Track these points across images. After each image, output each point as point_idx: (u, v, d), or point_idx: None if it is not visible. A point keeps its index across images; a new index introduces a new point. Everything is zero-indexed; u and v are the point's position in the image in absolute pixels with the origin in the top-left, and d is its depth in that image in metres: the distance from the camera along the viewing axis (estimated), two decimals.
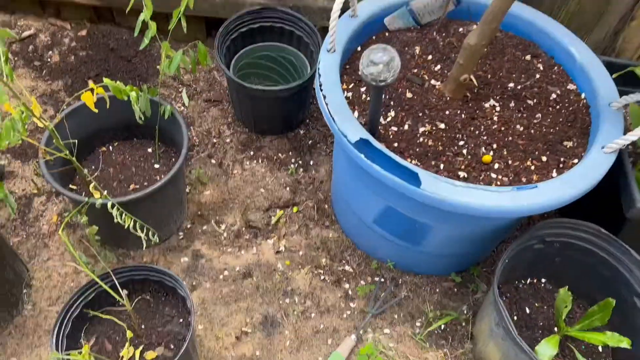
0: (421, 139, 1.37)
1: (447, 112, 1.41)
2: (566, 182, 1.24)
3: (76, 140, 1.42)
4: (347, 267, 1.70)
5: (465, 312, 1.63)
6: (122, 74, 2.05)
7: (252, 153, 1.92)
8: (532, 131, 1.40)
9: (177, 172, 1.48)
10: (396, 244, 1.56)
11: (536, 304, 1.52)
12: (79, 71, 2.05)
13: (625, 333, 1.32)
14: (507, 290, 1.54)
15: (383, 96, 1.36)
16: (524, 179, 1.31)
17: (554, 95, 1.47)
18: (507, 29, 1.60)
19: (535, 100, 1.46)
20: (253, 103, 1.85)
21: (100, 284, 1.29)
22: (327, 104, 1.34)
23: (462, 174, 1.32)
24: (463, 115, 1.41)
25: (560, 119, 1.43)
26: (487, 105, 1.44)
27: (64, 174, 1.52)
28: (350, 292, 1.65)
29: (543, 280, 1.57)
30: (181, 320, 1.42)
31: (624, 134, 1.29)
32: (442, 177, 1.23)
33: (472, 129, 1.39)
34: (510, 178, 1.31)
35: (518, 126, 1.40)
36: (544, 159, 1.35)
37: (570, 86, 1.50)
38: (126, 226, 1.35)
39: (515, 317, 1.49)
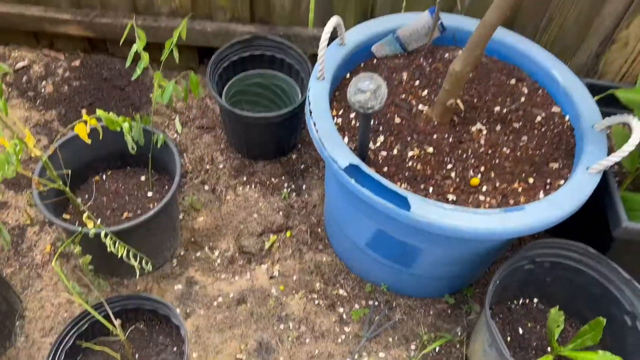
0: (410, 163, 1.40)
1: (435, 136, 1.44)
2: (553, 204, 1.26)
3: (69, 171, 1.43)
4: (341, 291, 1.70)
5: (459, 333, 1.63)
6: (115, 102, 2.08)
7: (245, 178, 1.94)
8: (519, 153, 1.43)
9: (170, 200, 1.49)
10: (389, 266, 1.58)
11: (529, 324, 1.53)
12: (72, 101, 2.07)
13: (617, 351, 1.32)
14: (500, 310, 1.55)
15: (372, 122, 1.38)
16: (511, 201, 1.33)
17: (539, 118, 1.50)
18: (492, 53, 1.64)
19: (520, 123, 1.49)
20: (245, 129, 1.87)
21: (93, 314, 1.29)
22: (317, 131, 1.36)
23: (451, 196, 1.34)
24: (451, 139, 1.44)
25: (546, 141, 1.46)
26: (474, 128, 1.47)
27: (58, 203, 1.53)
28: (344, 316, 1.65)
29: (535, 300, 1.59)
30: (175, 348, 1.41)
31: (608, 154, 1.32)
32: (431, 201, 1.25)
33: (459, 152, 1.42)
34: (498, 200, 1.34)
35: (505, 149, 1.43)
36: (531, 180, 1.38)
37: (555, 109, 1.53)
38: (119, 255, 1.35)
39: (508, 338, 1.50)
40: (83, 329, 1.35)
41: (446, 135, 1.45)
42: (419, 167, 1.39)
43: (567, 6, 1.74)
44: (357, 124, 1.47)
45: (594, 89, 1.63)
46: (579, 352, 1.38)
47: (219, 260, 1.74)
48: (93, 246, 1.41)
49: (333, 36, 1.51)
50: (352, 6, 1.87)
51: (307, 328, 1.62)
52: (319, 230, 1.83)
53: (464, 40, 1.41)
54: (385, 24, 1.60)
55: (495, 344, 1.28)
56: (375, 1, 1.86)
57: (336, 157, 1.31)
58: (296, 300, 1.67)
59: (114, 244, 1.34)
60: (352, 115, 1.50)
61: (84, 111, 2.04)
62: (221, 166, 1.96)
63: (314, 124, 1.37)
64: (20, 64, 2.15)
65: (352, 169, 1.29)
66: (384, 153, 1.42)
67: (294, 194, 1.92)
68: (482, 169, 1.39)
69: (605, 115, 1.43)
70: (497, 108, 1.52)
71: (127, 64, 1.44)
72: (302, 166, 1.99)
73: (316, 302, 1.67)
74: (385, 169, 1.39)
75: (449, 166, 1.39)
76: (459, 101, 1.42)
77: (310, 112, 1.39)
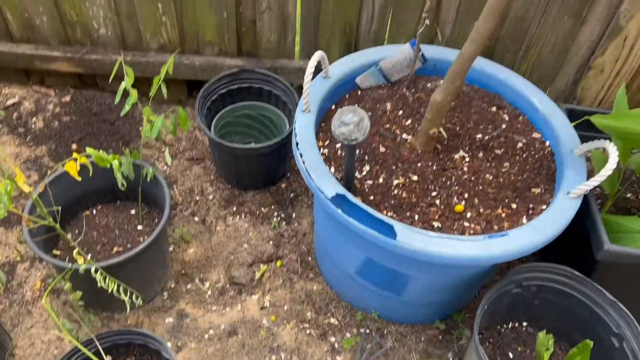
0: (396, 191, 1.43)
1: (419, 164, 1.48)
2: (535, 229, 1.29)
3: (60, 207, 1.45)
4: (332, 320, 1.71)
5: (450, 359, 1.64)
6: (105, 136, 2.10)
7: (234, 208, 1.96)
8: (501, 179, 1.46)
9: (159, 233, 1.50)
10: (379, 294, 1.59)
11: (519, 349, 1.54)
12: (62, 136, 2.09)
13: None
14: (490, 335, 1.56)
15: (357, 152, 1.42)
16: (495, 227, 1.36)
17: (520, 144, 1.54)
18: (473, 82, 1.69)
19: (502, 150, 1.53)
20: (234, 160, 1.90)
21: (84, 350, 1.29)
22: (303, 162, 1.39)
23: (436, 224, 1.37)
24: (434, 167, 1.47)
25: (528, 167, 1.49)
26: (457, 156, 1.50)
27: (48, 239, 1.54)
28: (336, 345, 1.65)
29: (524, 323, 1.60)
30: None
31: (589, 178, 1.36)
32: (416, 229, 1.27)
33: (443, 179, 1.45)
34: (483, 226, 1.36)
35: (487, 175, 1.46)
36: (514, 206, 1.41)
37: (535, 135, 1.58)
38: (110, 290, 1.36)
39: None
40: None
41: (430, 163, 1.48)
42: (404, 195, 1.42)
43: (544, 35, 1.80)
44: (343, 154, 1.50)
45: (573, 115, 1.68)
46: None
47: (209, 292, 1.74)
48: (83, 281, 1.41)
49: (319, 69, 1.56)
50: (337, 39, 1.93)
51: (299, 358, 1.61)
52: (309, 258, 1.84)
53: (445, 70, 1.46)
54: (368, 57, 1.65)
55: None
56: (358, 34, 1.92)
57: (323, 188, 1.33)
58: (287, 330, 1.67)
59: (104, 279, 1.35)
60: (338, 145, 1.53)
61: (74, 146, 2.06)
62: (211, 197, 1.98)
63: (301, 156, 1.40)
64: (10, 101, 2.17)
65: (338, 199, 1.31)
66: (370, 182, 1.45)
67: (284, 222, 1.93)
68: (466, 195, 1.42)
69: (586, 138, 1.48)
70: (479, 135, 1.56)
71: (117, 100, 1.47)
72: (292, 195, 2.02)
73: (308, 331, 1.67)
74: (372, 197, 1.42)
75: (434, 193, 1.42)
76: (441, 129, 1.46)
77: (297, 144, 1.42)
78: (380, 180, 1.45)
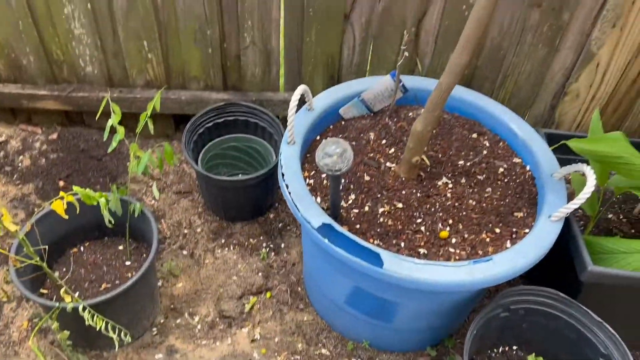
0: (381, 219, 1.45)
1: (403, 192, 1.50)
2: (519, 253, 1.31)
3: (47, 246, 1.44)
4: (323, 350, 1.70)
5: None
6: (92, 173, 2.11)
7: (223, 241, 1.96)
8: (484, 205, 1.49)
9: (148, 269, 1.50)
10: (369, 322, 1.59)
11: None
12: (49, 173, 2.10)
13: None
14: None
15: (342, 181, 1.44)
16: (480, 252, 1.38)
17: (501, 169, 1.58)
18: (453, 110, 1.73)
19: (484, 175, 1.56)
20: (222, 193, 1.91)
21: None
22: (289, 193, 1.41)
23: (422, 250, 1.38)
24: (419, 194, 1.50)
25: (510, 192, 1.52)
26: (440, 183, 1.53)
27: (35, 278, 1.53)
28: None
29: (514, 347, 1.61)
30: None
31: (569, 201, 1.39)
32: (402, 256, 1.29)
33: (428, 206, 1.47)
34: (468, 251, 1.38)
35: (471, 201, 1.49)
36: (498, 230, 1.43)
37: (516, 160, 1.61)
38: (98, 328, 1.35)
39: None
40: None
41: (414, 191, 1.51)
42: (390, 222, 1.44)
43: (519, 64, 1.86)
44: (329, 184, 1.52)
45: (552, 139, 1.73)
46: None
47: (199, 326, 1.73)
48: (71, 320, 1.40)
49: (303, 100, 1.60)
50: (320, 71, 1.98)
51: None
52: (299, 289, 1.85)
53: (425, 99, 1.50)
54: (350, 88, 1.69)
55: None
56: (341, 66, 1.97)
57: (309, 218, 1.35)
58: None
59: (92, 317, 1.34)
60: (324, 175, 1.55)
61: (61, 183, 2.07)
62: (199, 230, 1.99)
63: (287, 187, 1.42)
64: None
65: (325, 229, 1.33)
66: (355, 210, 1.47)
67: (273, 253, 1.94)
68: (451, 221, 1.44)
69: (566, 162, 1.51)
70: (461, 162, 1.59)
71: (105, 137, 1.48)
72: (280, 225, 2.03)
73: None
74: (358, 226, 1.43)
75: (419, 220, 1.44)
76: (424, 157, 1.49)
77: (283, 175, 1.44)
78: (366, 208, 1.47)
